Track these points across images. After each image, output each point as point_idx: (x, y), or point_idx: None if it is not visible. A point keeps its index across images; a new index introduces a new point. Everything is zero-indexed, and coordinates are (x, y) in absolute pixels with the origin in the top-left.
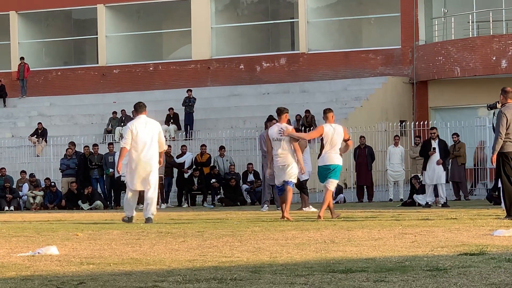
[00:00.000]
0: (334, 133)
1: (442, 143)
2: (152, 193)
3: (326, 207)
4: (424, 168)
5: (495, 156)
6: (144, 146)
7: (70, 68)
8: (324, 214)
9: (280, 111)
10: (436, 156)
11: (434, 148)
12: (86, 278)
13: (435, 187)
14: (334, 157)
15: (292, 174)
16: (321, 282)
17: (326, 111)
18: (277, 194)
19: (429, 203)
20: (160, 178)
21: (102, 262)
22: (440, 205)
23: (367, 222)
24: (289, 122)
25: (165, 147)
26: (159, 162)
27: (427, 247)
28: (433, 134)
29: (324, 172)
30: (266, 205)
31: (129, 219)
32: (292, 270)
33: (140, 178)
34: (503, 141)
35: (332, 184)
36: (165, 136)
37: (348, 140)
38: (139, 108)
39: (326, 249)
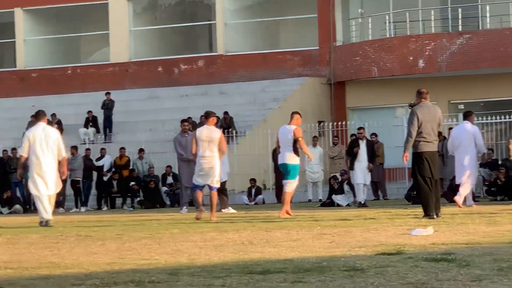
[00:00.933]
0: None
1: (369, 144)
2: (52, 198)
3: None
4: (351, 168)
5: (406, 154)
6: (41, 153)
7: None
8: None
9: (208, 115)
10: (363, 156)
11: (357, 147)
12: (3, 283)
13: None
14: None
15: (216, 178)
16: (239, 283)
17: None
18: (194, 192)
19: (362, 202)
20: (78, 181)
21: (20, 266)
22: (357, 205)
23: (285, 223)
24: (216, 125)
25: (65, 155)
26: (63, 172)
27: (345, 247)
28: (360, 134)
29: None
30: (185, 207)
31: (45, 223)
32: (210, 271)
33: (42, 183)
34: (418, 141)
35: (289, 185)
36: (84, 139)
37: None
38: (38, 115)
39: (244, 250)
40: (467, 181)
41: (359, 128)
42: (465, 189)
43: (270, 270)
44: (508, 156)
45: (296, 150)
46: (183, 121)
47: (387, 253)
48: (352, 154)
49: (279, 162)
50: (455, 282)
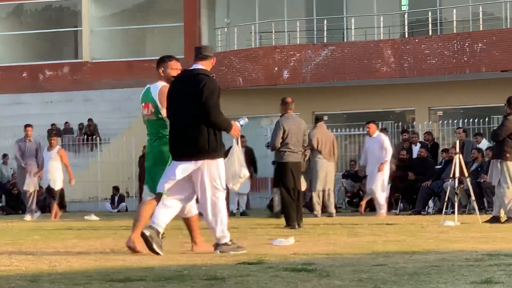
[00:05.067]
0: None
1: (249, 151)
2: None
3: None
4: None
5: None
6: None
7: None
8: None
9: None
10: None
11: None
12: None
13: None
14: None
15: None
16: None
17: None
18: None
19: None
20: None
21: None
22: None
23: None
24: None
25: None
26: None
27: (207, 256)
28: (243, 143)
29: None
30: (30, 214)
31: None
32: (71, 279)
33: None
34: (283, 151)
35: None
36: None
37: None
38: None
39: (106, 258)
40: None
41: (242, 136)
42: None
43: (131, 278)
44: None
45: None
46: (26, 126)
47: (248, 263)
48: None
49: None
50: None
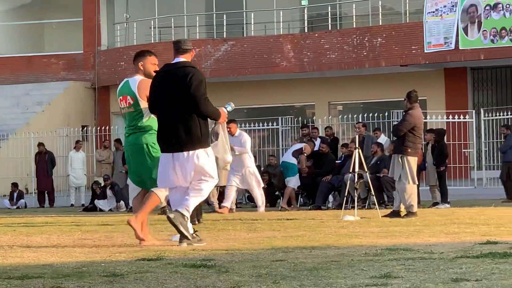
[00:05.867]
0: None
1: None
2: None
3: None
4: None
5: None
6: None
7: None
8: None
9: None
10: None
11: None
12: None
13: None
14: None
15: None
16: None
17: None
18: None
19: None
20: None
21: None
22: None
23: (46, 227)
24: None
25: None
26: None
27: (105, 252)
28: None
29: None
30: None
31: None
32: None
33: None
34: None
35: None
36: None
37: None
38: None
39: (3, 255)
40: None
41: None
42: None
43: (28, 275)
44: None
45: None
46: None
47: (147, 259)
48: None
49: None
50: None
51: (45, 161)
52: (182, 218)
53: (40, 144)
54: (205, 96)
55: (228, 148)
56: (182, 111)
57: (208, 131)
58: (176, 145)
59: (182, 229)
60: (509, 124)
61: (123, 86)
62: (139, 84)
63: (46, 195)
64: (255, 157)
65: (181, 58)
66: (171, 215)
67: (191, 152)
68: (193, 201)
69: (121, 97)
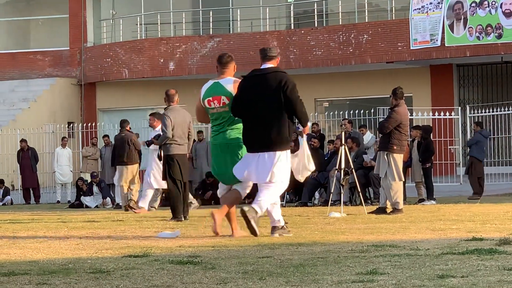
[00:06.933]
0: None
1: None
2: None
3: None
4: None
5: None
6: None
7: None
8: None
9: None
10: None
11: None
12: None
13: None
14: None
15: None
16: None
17: None
18: None
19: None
20: None
21: None
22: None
23: (33, 224)
24: None
25: None
26: None
27: (92, 249)
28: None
29: None
30: None
31: None
32: None
33: None
34: (169, 143)
35: None
36: None
37: None
38: None
39: None
40: None
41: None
42: None
43: (15, 272)
44: None
45: None
46: None
47: (134, 256)
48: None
49: None
50: (200, 285)
51: (28, 157)
52: (254, 213)
53: (23, 141)
54: (300, 98)
55: (309, 157)
56: (272, 114)
57: (291, 135)
58: (263, 146)
59: (253, 223)
60: (503, 121)
61: (213, 87)
62: (235, 85)
63: (32, 191)
64: None
65: (269, 64)
66: (246, 209)
67: (277, 153)
68: (267, 199)
69: (210, 98)
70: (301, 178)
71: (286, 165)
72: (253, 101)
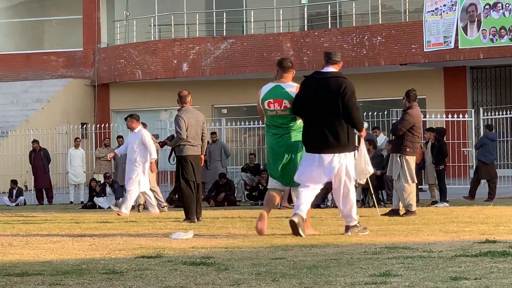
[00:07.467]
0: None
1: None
2: None
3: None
4: None
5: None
6: None
7: None
8: None
9: None
10: None
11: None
12: None
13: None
14: None
15: None
16: None
17: None
18: None
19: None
20: None
21: None
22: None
23: (46, 224)
24: None
25: None
26: None
27: (105, 250)
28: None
29: None
30: None
31: None
32: None
33: None
34: (183, 144)
35: None
36: None
37: None
38: None
39: (3, 252)
40: None
41: (213, 133)
42: None
43: (28, 272)
44: None
45: None
46: None
47: (147, 256)
48: None
49: None
50: (213, 286)
51: (40, 158)
52: (353, 222)
53: (34, 142)
54: (357, 106)
55: (368, 160)
56: (332, 116)
57: (354, 138)
58: (323, 147)
59: (300, 231)
60: (509, 123)
61: (274, 90)
62: (297, 90)
63: (44, 192)
64: (254, 155)
65: (332, 68)
66: (295, 219)
67: (336, 155)
68: (350, 203)
69: (271, 100)
70: (359, 181)
71: (350, 165)
72: (312, 103)
